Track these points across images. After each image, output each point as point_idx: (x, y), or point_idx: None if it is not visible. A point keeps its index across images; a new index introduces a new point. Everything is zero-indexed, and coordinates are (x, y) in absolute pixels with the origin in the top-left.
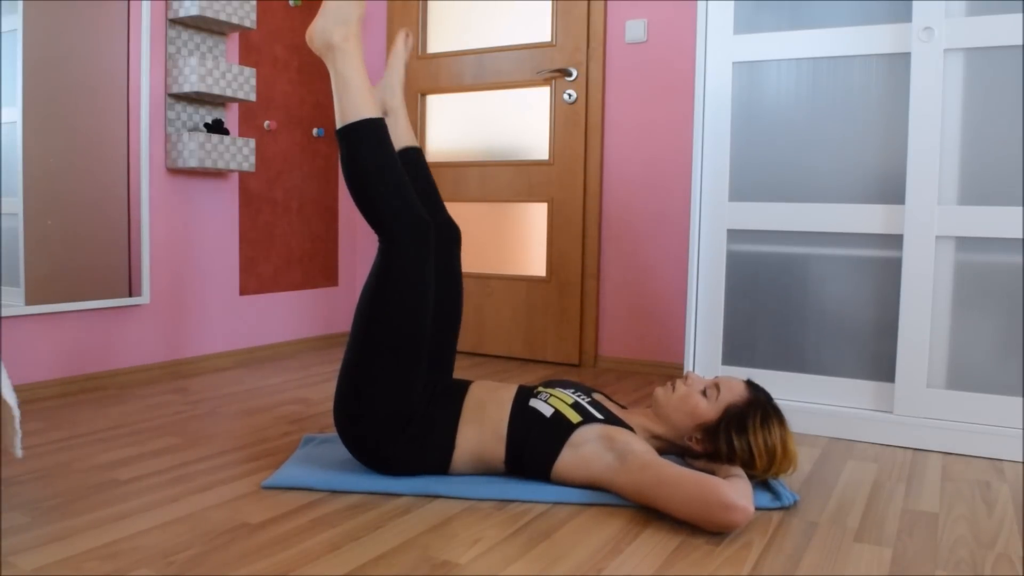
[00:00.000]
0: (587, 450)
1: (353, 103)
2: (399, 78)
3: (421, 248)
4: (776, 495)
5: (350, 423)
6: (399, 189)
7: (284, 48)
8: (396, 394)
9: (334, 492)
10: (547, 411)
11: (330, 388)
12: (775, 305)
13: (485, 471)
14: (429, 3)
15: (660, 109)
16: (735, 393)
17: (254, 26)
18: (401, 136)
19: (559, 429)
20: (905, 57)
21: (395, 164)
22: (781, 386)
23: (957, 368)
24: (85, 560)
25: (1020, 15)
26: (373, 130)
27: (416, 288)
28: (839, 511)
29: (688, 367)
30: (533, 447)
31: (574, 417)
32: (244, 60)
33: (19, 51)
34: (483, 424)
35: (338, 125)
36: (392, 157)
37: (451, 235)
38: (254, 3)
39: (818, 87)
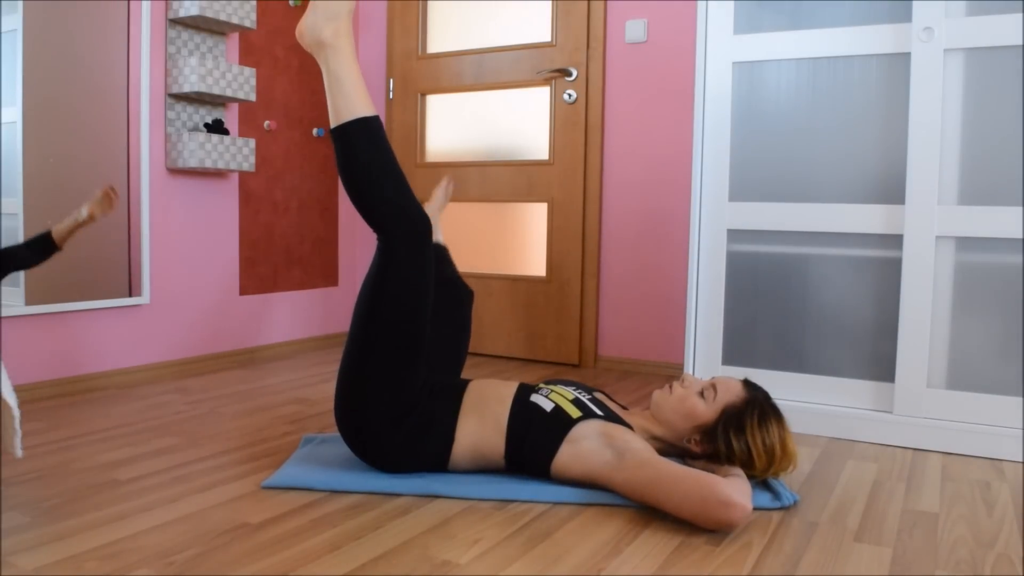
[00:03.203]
0: (586, 446)
1: (347, 101)
2: (438, 210)
3: (420, 246)
4: (776, 495)
5: (350, 418)
6: (397, 187)
7: (284, 48)
8: (395, 390)
9: (334, 492)
10: (547, 406)
11: (330, 388)
12: (775, 305)
13: (484, 466)
14: (429, 3)
15: (660, 109)
16: (732, 393)
17: (254, 26)
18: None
19: (559, 424)
20: (905, 57)
21: (392, 162)
22: (781, 386)
23: (957, 368)
24: (85, 560)
25: (1020, 15)
26: (369, 128)
27: (414, 286)
28: (839, 511)
29: (688, 367)
30: (533, 441)
31: (574, 412)
32: (244, 60)
33: (19, 51)
34: (484, 417)
35: (332, 124)
36: (389, 155)
37: (461, 296)
38: (254, 3)
39: (818, 87)
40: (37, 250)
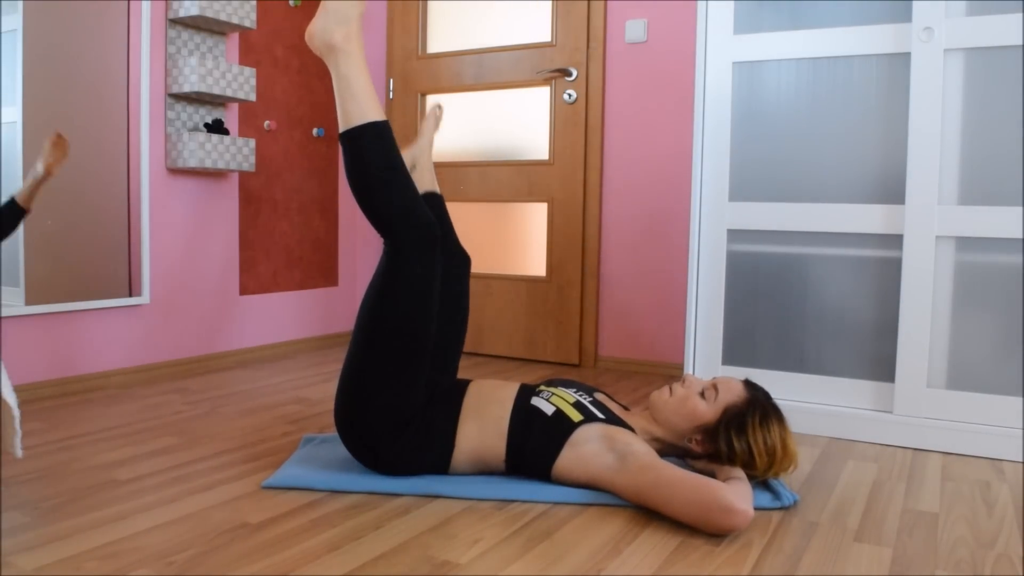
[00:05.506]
0: (587, 449)
1: (357, 106)
2: (429, 143)
3: (427, 252)
4: (776, 495)
5: (351, 423)
6: (405, 193)
7: (284, 48)
8: (398, 396)
9: (334, 492)
10: (548, 409)
11: (330, 388)
12: (775, 305)
13: (485, 470)
14: (429, 3)
15: (660, 109)
16: (734, 393)
17: (254, 26)
18: (424, 182)
19: (560, 427)
20: (905, 57)
21: (401, 168)
22: (781, 386)
23: (957, 368)
24: (85, 560)
25: (1020, 15)
26: (378, 134)
27: (421, 292)
28: (839, 511)
29: (688, 367)
30: (534, 445)
31: (575, 416)
32: (244, 60)
33: (19, 51)
34: (484, 421)
35: (341, 128)
36: (398, 160)
37: (461, 262)
38: (254, 3)
39: (818, 87)
40: (7, 218)
